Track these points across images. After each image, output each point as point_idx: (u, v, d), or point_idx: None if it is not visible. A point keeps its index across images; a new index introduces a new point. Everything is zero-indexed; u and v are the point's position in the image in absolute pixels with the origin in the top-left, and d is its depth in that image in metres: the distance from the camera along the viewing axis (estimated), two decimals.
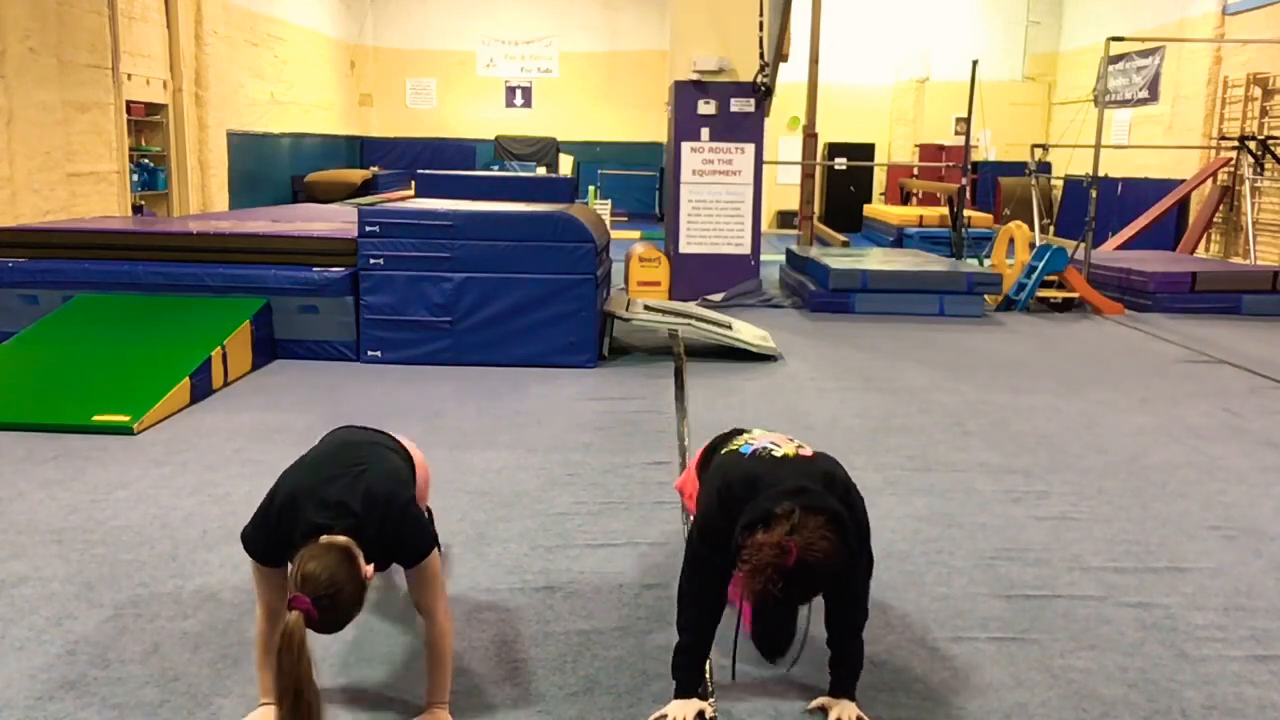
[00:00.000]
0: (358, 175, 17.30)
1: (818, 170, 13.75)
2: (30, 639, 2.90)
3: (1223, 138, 13.34)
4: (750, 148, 9.70)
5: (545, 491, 4.26)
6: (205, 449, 4.76)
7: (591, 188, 17.76)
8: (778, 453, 2.57)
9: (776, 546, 2.17)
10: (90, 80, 10.97)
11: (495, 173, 16.68)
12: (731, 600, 2.53)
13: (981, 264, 10.91)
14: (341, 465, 2.44)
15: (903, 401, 5.96)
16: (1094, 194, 10.16)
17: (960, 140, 13.97)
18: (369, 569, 2.27)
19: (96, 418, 5.00)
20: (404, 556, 2.42)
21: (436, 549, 2.48)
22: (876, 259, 10.41)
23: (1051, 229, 15.42)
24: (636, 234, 14.98)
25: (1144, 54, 15.47)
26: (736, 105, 9.62)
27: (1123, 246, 12.97)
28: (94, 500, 4.05)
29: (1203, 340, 8.15)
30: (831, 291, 9.16)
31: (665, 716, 2.52)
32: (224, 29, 13.96)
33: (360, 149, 20.18)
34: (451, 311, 6.65)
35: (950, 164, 15.77)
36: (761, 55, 9.33)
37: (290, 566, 2.23)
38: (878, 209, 17.11)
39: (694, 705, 2.53)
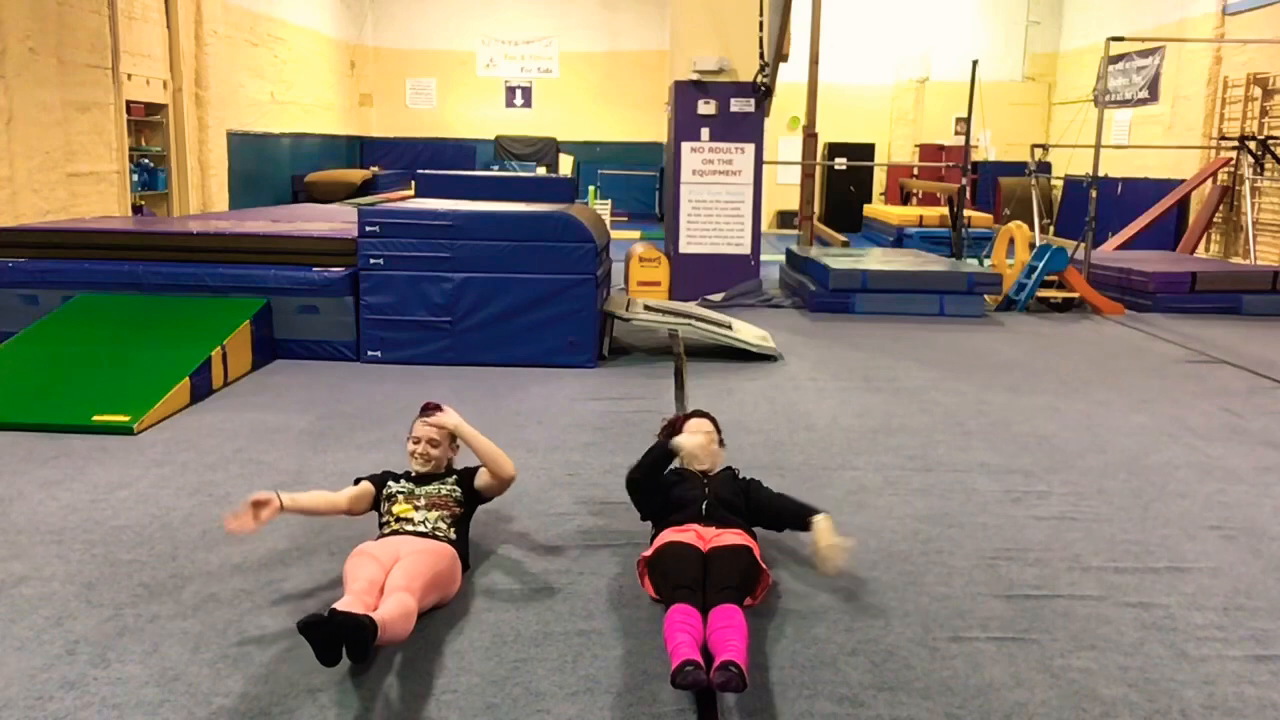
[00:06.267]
0: (358, 175, 17.30)
1: (818, 170, 13.75)
2: (30, 639, 2.90)
3: (1223, 138, 13.34)
4: (750, 148, 9.71)
5: (545, 491, 4.26)
6: (205, 449, 4.76)
7: (591, 188, 17.77)
8: None
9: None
10: (90, 80, 10.97)
11: (495, 173, 16.68)
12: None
13: (981, 264, 10.91)
14: None
15: (903, 401, 5.96)
16: (1094, 194, 10.15)
17: (960, 140, 13.98)
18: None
19: (96, 418, 5.00)
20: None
21: None
22: (876, 259, 10.41)
23: (1051, 229, 15.42)
24: (636, 234, 14.98)
25: (1144, 54, 15.47)
26: (736, 105, 9.62)
27: (1123, 246, 12.97)
28: (94, 500, 4.05)
29: (1203, 340, 8.15)
30: (831, 291, 9.16)
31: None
32: (224, 29, 13.96)
33: (360, 149, 20.18)
34: (451, 311, 6.65)
35: (950, 164, 15.77)
36: (761, 55, 9.33)
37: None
38: (878, 209, 17.11)
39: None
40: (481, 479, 3.52)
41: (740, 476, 3.63)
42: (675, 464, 3.72)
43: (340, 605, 2.70)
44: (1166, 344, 8.02)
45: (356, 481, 3.53)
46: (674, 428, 3.71)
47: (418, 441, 3.53)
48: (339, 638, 2.56)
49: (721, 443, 3.71)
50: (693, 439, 3.55)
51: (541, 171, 18.36)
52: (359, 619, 2.58)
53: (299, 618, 2.98)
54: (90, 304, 6.40)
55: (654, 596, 3.16)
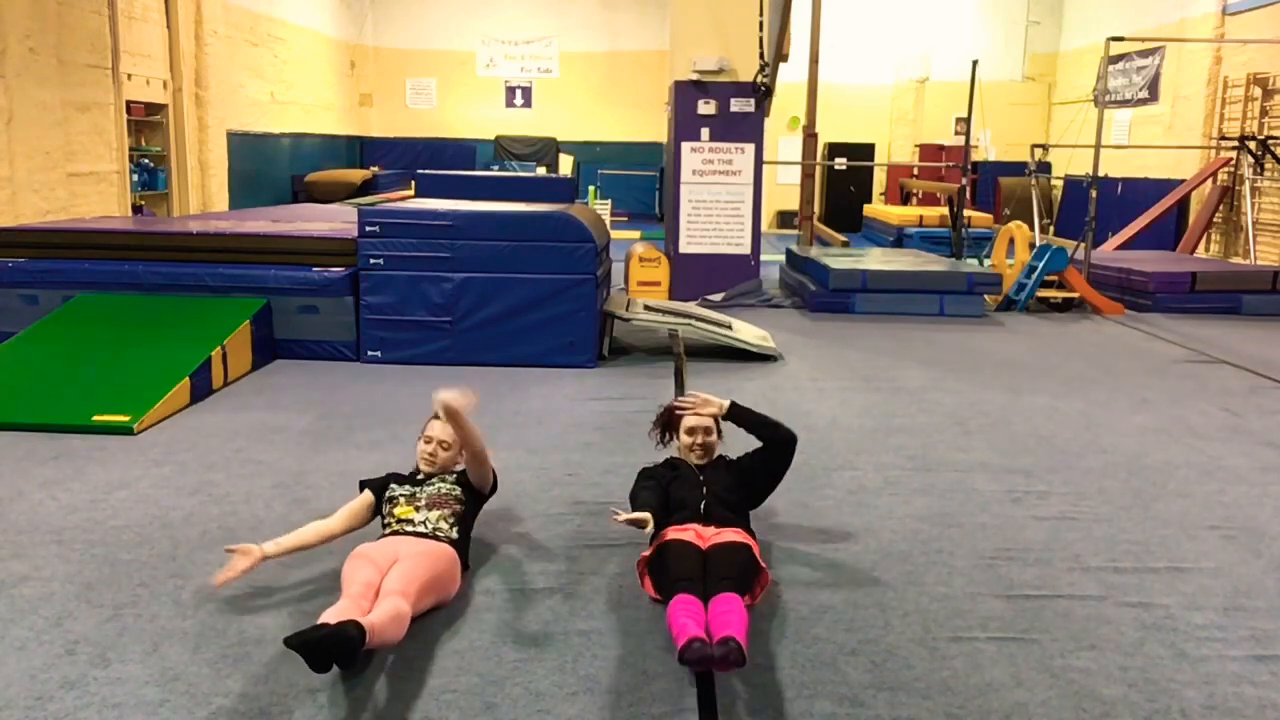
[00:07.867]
0: (358, 175, 17.31)
1: (818, 170, 13.75)
2: (30, 639, 2.90)
3: (1223, 138, 13.34)
4: (750, 148, 9.71)
5: (545, 491, 4.26)
6: (205, 449, 4.75)
7: (591, 188, 17.76)
8: None
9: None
10: (90, 80, 10.97)
11: (495, 173, 16.68)
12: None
13: (981, 264, 10.91)
14: None
15: (903, 401, 5.96)
16: (1094, 194, 10.15)
17: (960, 140, 13.98)
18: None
19: (96, 418, 5.00)
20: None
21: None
22: (876, 259, 10.41)
23: (1051, 229, 15.42)
24: (636, 234, 14.98)
25: (1144, 54, 15.47)
26: (736, 105, 9.62)
27: (1123, 246, 12.97)
28: (94, 500, 4.05)
29: (1203, 340, 8.15)
30: (831, 291, 9.16)
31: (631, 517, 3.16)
32: (224, 29, 13.96)
33: (360, 149, 20.18)
34: (451, 311, 6.65)
35: (950, 164, 15.78)
36: (761, 55, 9.33)
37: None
38: (878, 209, 17.12)
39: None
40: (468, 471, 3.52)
41: (730, 460, 3.63)
42: (672, 452, 3.72)
43: (331, 612, 2.69)
44: (1166, 344, 8.02)
45: (361, 486, 3.54)
46: (669, 417, 3.72)
47: (429, 441, 3.55)
48: (327, 649, 2.55)
49: (720, 433, 3.69)
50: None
51: (541, 171, 18.36)
52: (344, 628, 2.56)
53: (296, 621, 3.00)
54: (90, 304, 6.40)
55: (654, 596, 3.16)
